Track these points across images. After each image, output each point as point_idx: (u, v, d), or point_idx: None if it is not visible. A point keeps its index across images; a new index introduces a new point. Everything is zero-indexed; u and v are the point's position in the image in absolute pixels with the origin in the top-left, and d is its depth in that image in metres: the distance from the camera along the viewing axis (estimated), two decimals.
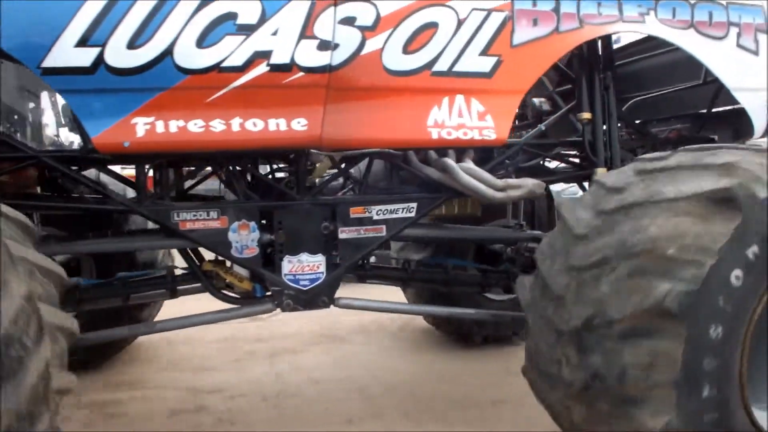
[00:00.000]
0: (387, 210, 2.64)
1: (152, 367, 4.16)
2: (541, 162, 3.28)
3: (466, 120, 2.49)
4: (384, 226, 2.64)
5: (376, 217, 2.63)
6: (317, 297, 2.64)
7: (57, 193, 2.98)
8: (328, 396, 3.58)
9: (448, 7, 2.41)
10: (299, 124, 2.31)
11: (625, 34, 3.24)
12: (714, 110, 3.22)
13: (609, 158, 2.96)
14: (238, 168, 2.70)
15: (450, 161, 2.62)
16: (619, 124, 3.27)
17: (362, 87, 2.37)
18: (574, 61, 3.01)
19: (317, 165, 2.78)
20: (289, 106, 2.29)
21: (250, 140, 2.28)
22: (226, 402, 3.50)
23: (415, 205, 2.68)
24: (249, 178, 2.77)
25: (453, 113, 2.48)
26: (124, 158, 2.75)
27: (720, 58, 2.87)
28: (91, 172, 2.96)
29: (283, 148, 2.51)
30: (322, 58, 2.27)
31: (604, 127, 2.99)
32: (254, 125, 2.27)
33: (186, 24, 2.12)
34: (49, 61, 2.04)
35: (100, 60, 2.07)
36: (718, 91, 3.01)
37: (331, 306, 2.73)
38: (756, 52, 2.94)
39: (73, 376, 1.61)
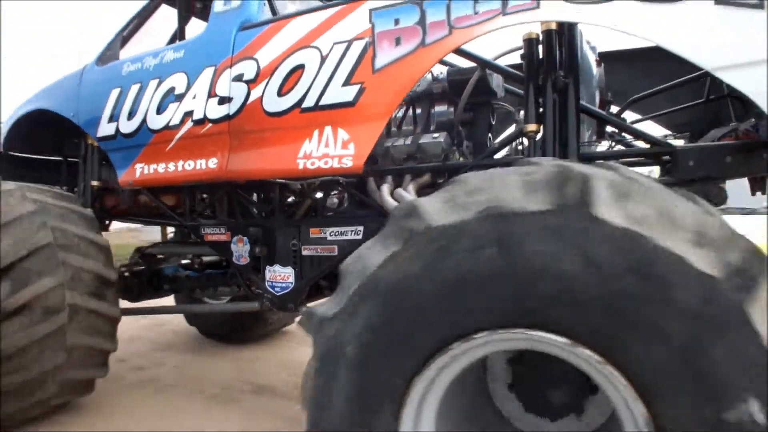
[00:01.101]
0: (338, 232, 2.90)
1: None
2: None
3: (330, 149, 2.57)
4: (336, 246, 2.92)
5: (329, 238, 2.94)
6: (286, 302, 3.13)
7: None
8: None
9: (313, 47, 2.62)
10: (213, 163, 2.94)
11: None
12: None
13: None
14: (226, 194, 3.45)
15: (384, 187, 2.71)
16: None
17: (251, 130, 2.81)
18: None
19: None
20: (207, 149, 2.96)
21: (187, 176, 3.06)
22: None
23: (361, 228, 2.86)
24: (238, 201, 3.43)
25: (321, 144, 2.61)
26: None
27: (681, 29, 1.95)
28: None
29: (205, 181, 3.13)
30: (223, 111, 2.87)
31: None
32: (188, 165, 3.04)
33: (151, 99, 3.13)
34: (99, 133, 3.39)
35: (117, 129, 3.28)
36: None
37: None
38: (759, 4, 1.85)
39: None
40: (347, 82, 2.52)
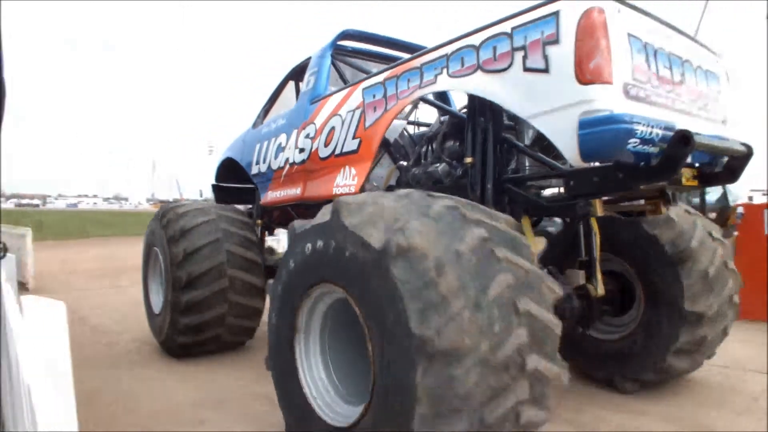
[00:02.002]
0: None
1: None
2: None
3: (347, 180, 4.02)
4: None
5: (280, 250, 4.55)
6: None
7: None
8: None
9: (338, 115, 4.16)
10: (297, 190, 4.65)
11: None
12: None
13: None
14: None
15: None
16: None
17: (313, 169, 4.47)
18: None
19: None
20: (295, 182, 4.71)
21: (286, 198, 4.85)
22: None
23: None
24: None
25: (342, 177, 4.08)
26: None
27: (505, 89, 2.95)
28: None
29: (293, 202, 4.77)
30: (301, 157, 4.58)
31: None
32: (287, 192, 4.81)
33: (271, 150, 5.07)
34: (252, 171, 5.51)
35: (258, 170, 5.32)
36: None
37: None
38: (546, 70, 2.75)
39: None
40: (353, 137, 3.97)
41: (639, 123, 2.62)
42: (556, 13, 2.70)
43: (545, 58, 2.74)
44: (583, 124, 2.62)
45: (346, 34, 5.02)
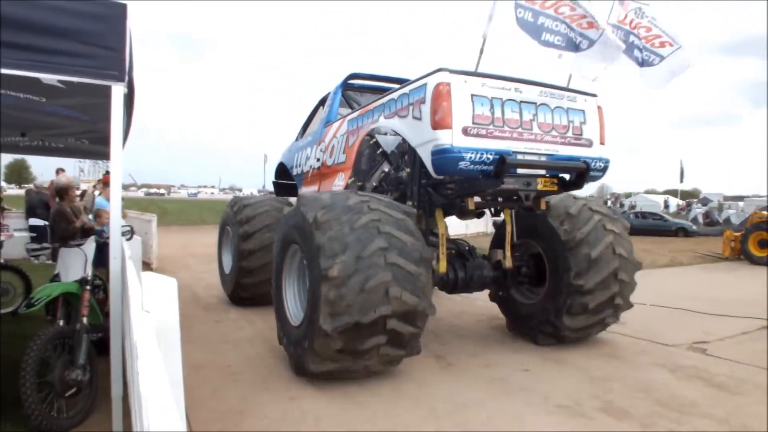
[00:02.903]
0: None
1: None
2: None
3: (340, 183, 5.94)
4: None
5: None
6: None
7: None
8: None
9: (337, 137, 6.09)
10: (315, 187, 6.72)
11: None
12: None
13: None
14: None
15: None
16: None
17: (324, 173, 6.52)
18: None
19: None
20: (314, 182, 6.78)
21: None
22: None
23: None
24: None
25: (338, 180, 6.00)
26: None
27: (406, 129, 4.95)
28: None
29: None
30: (317, 165, 6.62)
31: None
32: (312, 188, 6.86)
33: (302, 158, 7.19)
34: (294, 173, 7.84)
35: (296, 172, 7.59)
36: None
37: None
38: (420, 119, 4.69)
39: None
40: (342, 152, 5.90)
41: (468, 152, 4.55)
42: (425, 84, 4.61)
43: (420, 111, 4.67)
44: (433, 153, 4.57)
45: (353, 75, 7.11)
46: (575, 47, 4.96)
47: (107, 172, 11.58)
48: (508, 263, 6.12)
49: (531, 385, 4.99)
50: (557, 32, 4.92)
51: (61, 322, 4.49)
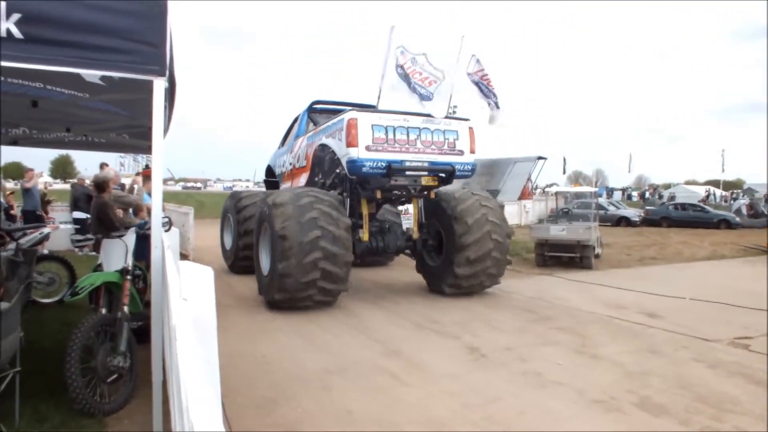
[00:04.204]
0: None
1: None
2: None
3: (302, 181, 9.70)
4: None
5: None
6: None
7: None
8: None
9: (302, 147, 9.94)
10: (289, 184, 10.61)
11: None
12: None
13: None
14: None
15: None
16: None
17: (294, 174, 10.36)
18: None
19: None
20: (288, 179, 10.77)
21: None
22: None
23: None
24: None
25: (302, 180, 9.67)
26: None
27: (335, 146, 7.95)
28: None
29: None
30: (289, 167, 10.83)
31: None
32: (286, 185, 10.72)
33: (282, 161, 11.48)
34: (277, 172, 12.03)
35: (278, 171, 11.86)
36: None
37: None
38: (341, 140, 7.59)
39: None
40: (304, 159, 9.66)
41: (369, 161, 7.37)
42: (342, 119, 7.60)
43: (341, 135, 7.54)
44: (347, 162, 7.56)
45: (315, 102, 10.28)
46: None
47: (147, 166, 11.95)
48: (416, 236, 8.97)
49: (565, 379, 4.92)
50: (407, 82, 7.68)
51: (104, 311, 4.65)
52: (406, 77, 7.57)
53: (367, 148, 7.33)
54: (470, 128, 8.18)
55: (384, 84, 7.76)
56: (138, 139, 6.50)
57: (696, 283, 9.20)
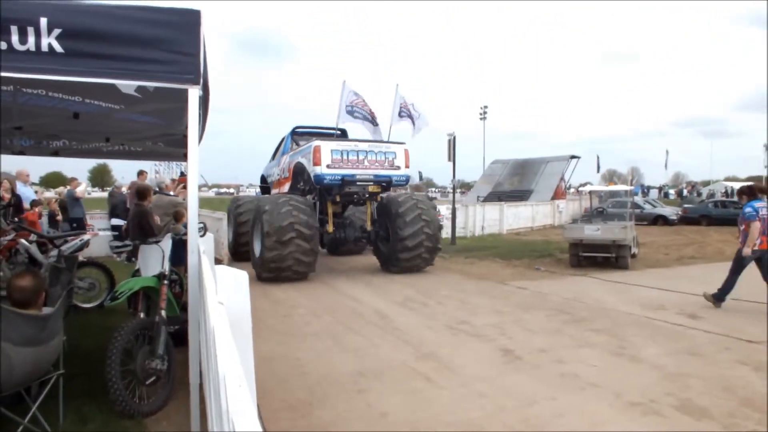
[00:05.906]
0: None
1: None
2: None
3: (286, 188, 12.61)
4: None
5: None
6: None
7: None
8: None
9: (287, 162, 12.65)
10: (278, 191, 13.13)
11: None
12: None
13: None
14: None
15: None
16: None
17: (282, 182, 13.10)
18: None
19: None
20: (276, 186, 13.67)
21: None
22: None
23: None
24: None
25: (286, 187, 12.60)
26: None
27: (306, 164, 10.94)
28: None
29: None
30: (278, 177, 13.65)
31: None
32: (275, 192, 13.05)
33: (272, 171, 14.43)
34: (269, 180, 15.08)
35: (270, 180, 14.71)
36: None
37: None
38: (311, 161, 10.64)
39: None
40: (287, 171, 12.50)
41: (329, 175, 10.49)
42: (310, 146, 10.80)
43: (310, 157, 10.65)
44: (314, 176, 10.64)
45: (297, 127, 13.08)
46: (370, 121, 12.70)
47: (182, 174, 12.29)
48: (369, 228, 12.11)
49: (603, 381, 4.82)
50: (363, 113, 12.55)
51: (142, 315, 4.77)
52: (359, 111, 12.32)
53: (328, 166, 10.45)
54: (405, 150, 11.37)
55: (340, 120, 12.46)
56: (173, 147, 6.65)
57: (738, 284, 8.87)
